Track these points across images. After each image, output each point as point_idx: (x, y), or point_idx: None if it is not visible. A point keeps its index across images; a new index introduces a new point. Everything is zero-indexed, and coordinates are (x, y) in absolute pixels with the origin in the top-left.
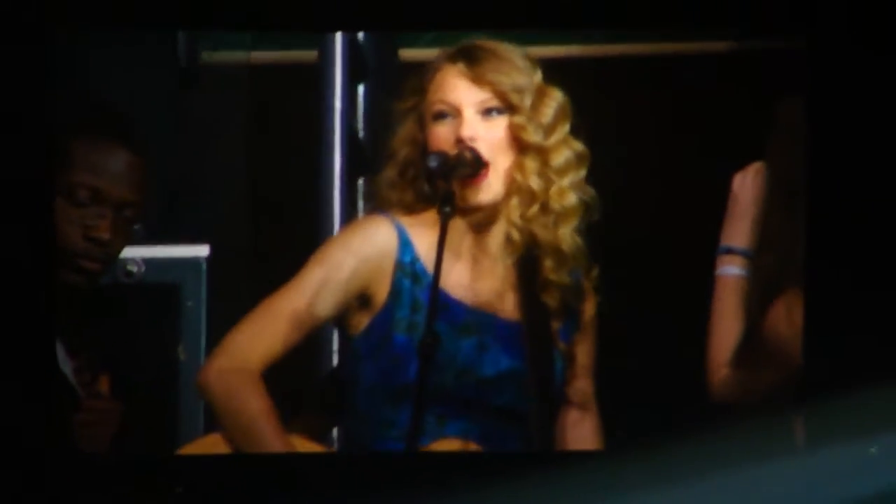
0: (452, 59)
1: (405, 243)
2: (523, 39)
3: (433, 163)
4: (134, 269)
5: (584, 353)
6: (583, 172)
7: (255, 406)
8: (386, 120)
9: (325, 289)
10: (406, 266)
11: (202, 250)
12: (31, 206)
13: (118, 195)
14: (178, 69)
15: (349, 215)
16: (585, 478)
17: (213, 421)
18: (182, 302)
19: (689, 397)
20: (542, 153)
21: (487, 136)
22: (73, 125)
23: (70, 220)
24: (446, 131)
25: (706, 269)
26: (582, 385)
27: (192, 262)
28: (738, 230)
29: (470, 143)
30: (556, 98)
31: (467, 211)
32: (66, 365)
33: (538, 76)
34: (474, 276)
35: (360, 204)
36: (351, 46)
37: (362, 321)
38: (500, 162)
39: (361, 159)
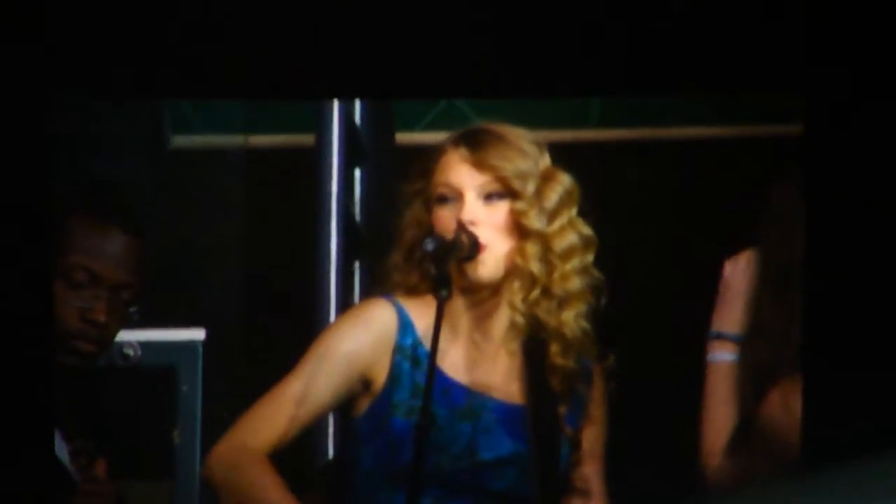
0: (456, 142)
1: (406, 326)
2: (532, 118)
3: (429, 246)
4: (130, 352)
5: (591, 439)
6: (590, 257)
7: (268, 480)
8: (382, 203)
9: (325, 375)
10: (406, 349)
11: (198, 334)
12: (30, 288)
13: (115, 277)
14: (168, 152)
15: (345, 298)
16: None
17: None
18: (178, 385)
19: (693, 483)
20: (544, 238)
21: (488, 220)
22: (69, 205)
23: (66, 301)
24: (448, 215)
25: (700, 355)
26: (587, 471)
27: (189, 346)
28: (729, 316)
29: (469, 227)
30: (562, 182)
31: (469, 290)
32: (62, 449)
33: (545, 160)
34: (476, 358)
35: (357, 287)
36: (348, 130)
37: (363, 404)
38: (500, 245)
39: (357, 243)
